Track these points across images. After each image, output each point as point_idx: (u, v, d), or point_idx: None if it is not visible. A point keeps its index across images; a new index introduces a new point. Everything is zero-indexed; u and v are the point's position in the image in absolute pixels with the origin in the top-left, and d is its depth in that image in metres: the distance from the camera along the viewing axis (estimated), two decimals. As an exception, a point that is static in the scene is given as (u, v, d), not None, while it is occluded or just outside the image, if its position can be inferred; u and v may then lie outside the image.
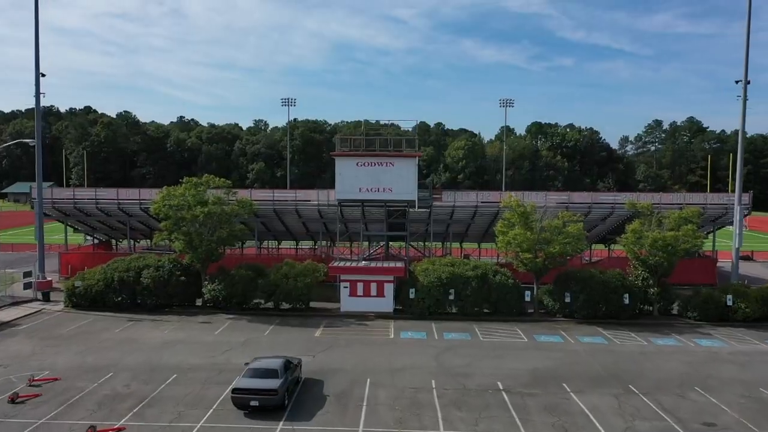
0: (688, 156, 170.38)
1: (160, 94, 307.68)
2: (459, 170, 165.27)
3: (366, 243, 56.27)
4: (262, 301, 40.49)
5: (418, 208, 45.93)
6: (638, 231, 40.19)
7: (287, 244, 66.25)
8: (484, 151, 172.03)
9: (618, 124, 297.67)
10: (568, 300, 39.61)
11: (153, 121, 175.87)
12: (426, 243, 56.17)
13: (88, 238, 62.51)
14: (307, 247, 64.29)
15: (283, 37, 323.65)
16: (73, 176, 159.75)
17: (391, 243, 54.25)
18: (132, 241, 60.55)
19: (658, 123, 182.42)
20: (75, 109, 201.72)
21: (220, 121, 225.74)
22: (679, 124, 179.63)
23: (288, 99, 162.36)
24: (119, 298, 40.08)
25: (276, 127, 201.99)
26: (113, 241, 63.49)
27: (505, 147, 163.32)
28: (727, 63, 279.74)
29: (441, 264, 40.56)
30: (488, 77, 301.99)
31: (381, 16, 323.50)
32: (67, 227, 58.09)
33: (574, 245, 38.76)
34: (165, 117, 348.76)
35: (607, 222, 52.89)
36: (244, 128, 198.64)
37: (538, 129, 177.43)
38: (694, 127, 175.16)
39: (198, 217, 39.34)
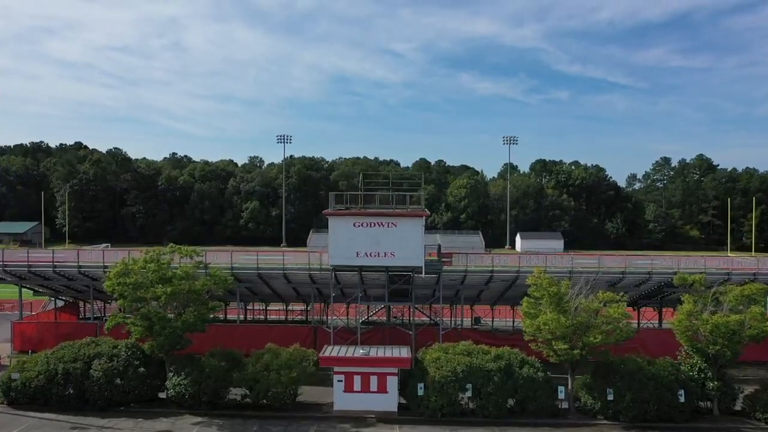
0: (699, 195, 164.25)
1: (159, 125, 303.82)
2: (461, 209, 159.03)
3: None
4: (238, 398, 33.33)
5: (426, 274, 38.96)
6: (693, 312, 33.20)
7: (276, 305, 59.19)
8: (487, 189, 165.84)
9: (623, 161, 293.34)
10: (610, 398, 32.45)
11: (144, 158, 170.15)
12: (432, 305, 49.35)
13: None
14: (299, 309, 57.30)
15: (282, 69, 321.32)
16: (59, 215, 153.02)
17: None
18: (102, 304, 53.76)
19: (666, 160, 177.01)
20: (65, 144, 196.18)
21: (215, 157, 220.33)
22: (688, 161, 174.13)
23: (284, 136, 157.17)
24: (65, 394, 32.90)
25: (272, 163, 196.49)
26: (81, 303, 56.39)
27: (509, 186, 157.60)
28: (722, 96, 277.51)
29: (455, 353, 33.48)
30: (486, 110, 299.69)
31: (378, 50, 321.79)
32: (23, 289, 51.02)
33: (618, 333, 31.70)
34: (160, 152, 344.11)
35: (641, 288, 46.01)
36: (240, 164, 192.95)
37: (542, 167, 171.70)
38: (704, 164, 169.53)
39: (160, 297, 32.44)
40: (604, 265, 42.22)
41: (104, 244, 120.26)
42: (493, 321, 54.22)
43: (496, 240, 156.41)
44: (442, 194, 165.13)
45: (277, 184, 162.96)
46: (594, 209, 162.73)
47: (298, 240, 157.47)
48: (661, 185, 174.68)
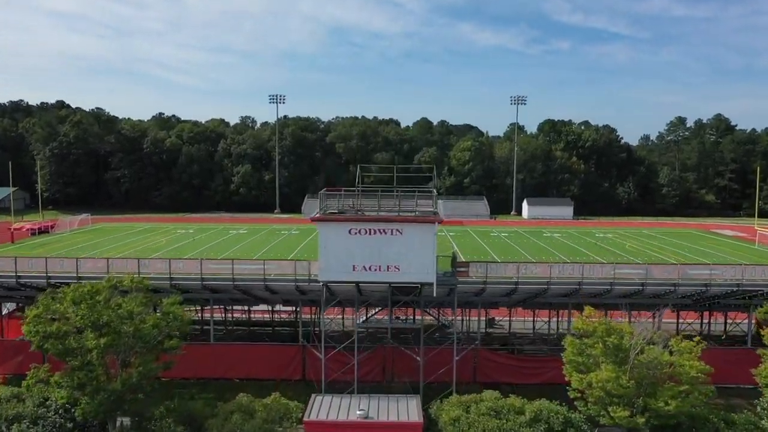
0: (715, 157, 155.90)
1: (150, 78, 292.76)
2: (465, 173, 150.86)
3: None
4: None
5: (438, 288, 31.40)
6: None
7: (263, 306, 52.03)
8: (492, 152, 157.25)
9: (631, 118, 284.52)
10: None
11: (129, 118, 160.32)
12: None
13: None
14: (288, 309, 50.02)
15: (279, 21, 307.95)
16: (38, 181, 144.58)
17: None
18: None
19: (681, 120, 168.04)
20: (46, 103, 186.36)
21: (205, 116, 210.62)
22: (705, 121, 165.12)
23: (277, 96, 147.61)
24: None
25: (266, 122, 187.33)
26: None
27: (516, 148, 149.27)
28: (725, 46, 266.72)
29: (479, 412, 26.34)
30: (486, 62, 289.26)
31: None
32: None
33: (696, 397, 24.39)
34: (148, 111, 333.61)
35: (695, 298, 38.68)
36: (231, 124, 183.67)
37: (551, 127, 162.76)
38: (722, 125, 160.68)
39: (92, 351, 25.02)
40: (651, 276, 34.58)
41: (84, 215, 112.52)
42: (510, 323, 47.05)
43: (501, 205, 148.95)
44: (444, 157, 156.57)
45: (270, 147, 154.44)
46: (605, 173, 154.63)
47: (292, 206, 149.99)
48: (676, 147, 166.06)
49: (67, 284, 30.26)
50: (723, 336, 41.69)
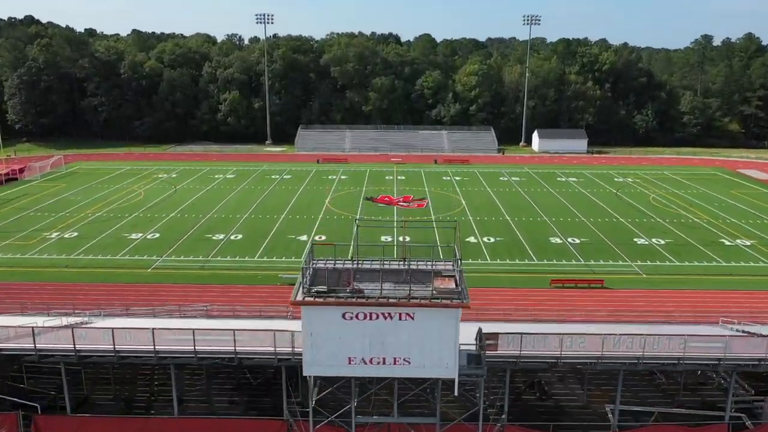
0: (743, 82, 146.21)
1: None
2: (471, 100, 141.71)
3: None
4: None
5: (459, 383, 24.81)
6: None
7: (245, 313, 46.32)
8: (501, 75, 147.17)
9: (655, 39, 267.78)
10: None
11: (102, 34, 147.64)
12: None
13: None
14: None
15: None
16: (9, 111, 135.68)
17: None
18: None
19: (707, 39, 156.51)
20: (15, 19, 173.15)
21: (188, 30, 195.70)
22: (733, 41, 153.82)
23: (264, 15, 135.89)
24: None
25: (255, 37, 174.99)
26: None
27: (527, 73, 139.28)
28: None
29: None
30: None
31: None
32: None
33: None
34: (125, 24, 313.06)
35: None
36: (217, 41, 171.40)
37: (565, 48, 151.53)
38: (753, 46, 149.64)
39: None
40: (731, 351, 27.70)
41: (56, 156, 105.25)
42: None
43: (510, 135, 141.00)
44: (449, 81, 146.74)
45: (259, 70, 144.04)
46: (622, 99, 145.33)
47: (285, 136, 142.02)
48: (700, 69, 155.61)
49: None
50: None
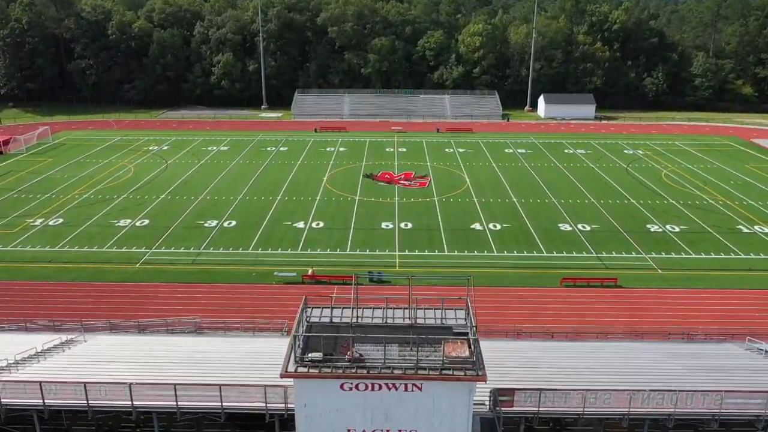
0: (758, 43, 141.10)
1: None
2: (475, 62, 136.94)
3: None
4: None
5: None
6: None
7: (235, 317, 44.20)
8: (507, 36, 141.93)
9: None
10: None
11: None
12: None
13: None
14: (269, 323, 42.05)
15: None
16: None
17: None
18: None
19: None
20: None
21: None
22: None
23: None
24: None
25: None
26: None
27: (534, 34, 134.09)
28: None
29: None
30: None
31: None
32: None
33: None
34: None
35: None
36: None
37: (574, 5, 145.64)
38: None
39: None
40: None
41: (42, 128, 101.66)
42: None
43: (514, 99, 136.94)
44: (452, 41, 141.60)
45: (253, 30, 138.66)
46: (632, 60, 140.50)
47: (281, 99, 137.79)
48: (713, 28, 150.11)
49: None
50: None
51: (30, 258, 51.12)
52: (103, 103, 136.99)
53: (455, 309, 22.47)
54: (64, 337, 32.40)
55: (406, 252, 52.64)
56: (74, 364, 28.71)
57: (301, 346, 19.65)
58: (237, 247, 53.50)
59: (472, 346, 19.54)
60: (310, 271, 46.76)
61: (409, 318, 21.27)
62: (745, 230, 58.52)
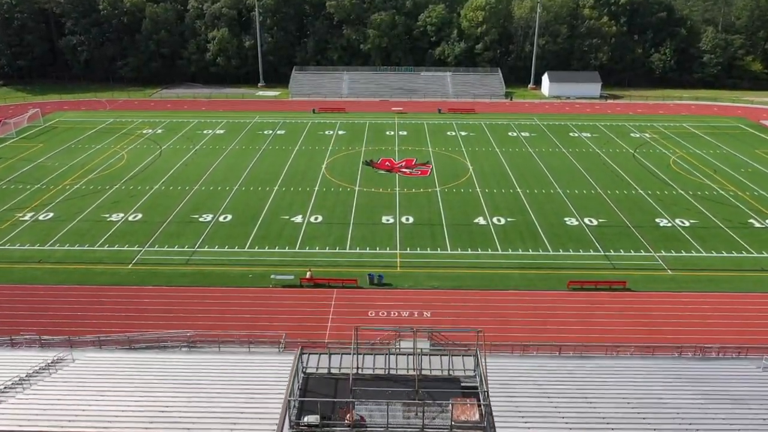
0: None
1: None
2: (478, 38, 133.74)
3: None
4: None
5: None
6: None
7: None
8: (510, 10, 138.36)
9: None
10: None
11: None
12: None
13: None
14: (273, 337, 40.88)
15: None
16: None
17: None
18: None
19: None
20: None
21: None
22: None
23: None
24: None
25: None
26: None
27: (539, 9, 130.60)
28: None
29: None
30: None
31: None
32: None
33: None
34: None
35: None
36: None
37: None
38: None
39: None
40: None
41: (32, 110, 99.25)
42: None
43: (517, 76, 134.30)
44: (454, 17, 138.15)
45: (249, 4, 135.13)
46: (639, 35, 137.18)
47: (279, 76, 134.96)
48: (723, 1, 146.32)
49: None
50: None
51: (19, 258, 49.67)
52: (96, 80, 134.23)
53: (463, 356, 21.05)
54: (50, 356, 31.11)
55: (408, 250, 51.20)
56: (59, 397, 27.38)
57: (296, 406, 18.29)
58: (233, 245, 52.03)
59: (482, 408, 18.16)
60: (308, 274, 45.37)
61: (414, 368, 19.84)
62: (758, 224, 56.97)
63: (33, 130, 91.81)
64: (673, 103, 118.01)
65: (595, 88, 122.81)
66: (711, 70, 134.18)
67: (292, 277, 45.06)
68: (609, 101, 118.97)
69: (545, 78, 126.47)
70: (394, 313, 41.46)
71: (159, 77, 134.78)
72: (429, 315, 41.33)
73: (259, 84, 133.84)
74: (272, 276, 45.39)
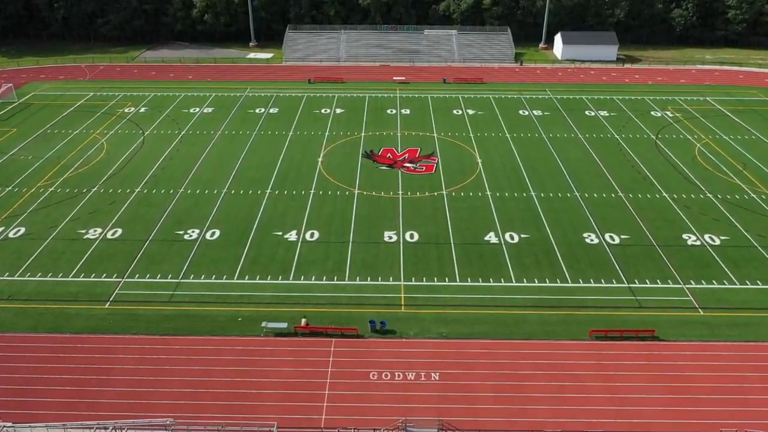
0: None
1: None
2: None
3: None
4: None
5: None
6: None
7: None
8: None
9: None
10: None
11: None
12: None
13: None
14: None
15: None
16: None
17: None
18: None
19: None
20: None
21: None
22: None
23: None
24: None
25: None
26: None
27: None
28: None
29: None
30: None
31: None
32: None
33: None
34: None
35: None
36: None
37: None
38: None
39: None
40: None
41: (5, 85, 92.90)
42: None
43: (528, 34, 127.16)
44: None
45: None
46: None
47: (272, 34, 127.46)
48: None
49: None
50: None
51: (-15, 292, 45.90)
52: (74, 39, 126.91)
53: None
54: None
55: (413, 281, 47.21)
56: None
57: None
58: (220, 275, 47.94)
59: None
60: (303, 322, 41.58)
61: None
62: (795, 243, 52.93)
63: (6, 108, 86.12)
64: (695, 68, 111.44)
65: (611, 51, 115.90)
66: (735, 28, 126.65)
67: (285, 325, 41.26)
68: (626, 66, 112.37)
69: (558, 39, 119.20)
70: (399, 375, 37.86)
71: (142, 36, 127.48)
72: (437, 377, 37.75)
73: (251, 44, 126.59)
74: (264, 324, 41.55)
